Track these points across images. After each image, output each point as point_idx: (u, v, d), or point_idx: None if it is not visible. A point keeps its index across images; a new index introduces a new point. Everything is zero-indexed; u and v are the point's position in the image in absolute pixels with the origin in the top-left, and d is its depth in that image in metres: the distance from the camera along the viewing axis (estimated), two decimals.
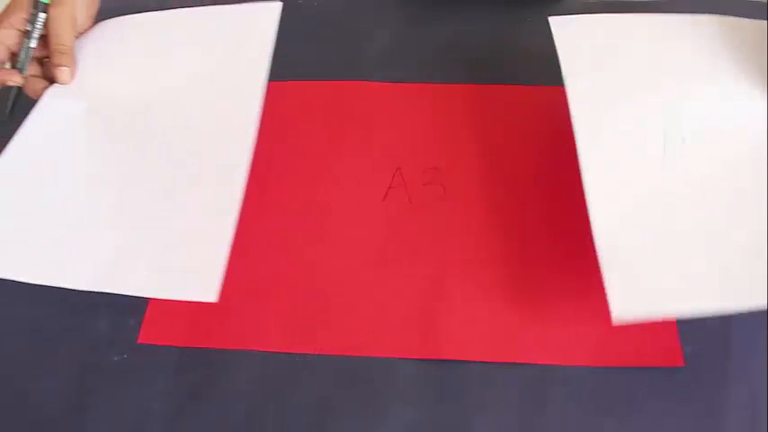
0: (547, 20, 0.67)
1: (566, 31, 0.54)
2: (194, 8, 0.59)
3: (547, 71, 0.61)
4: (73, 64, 0.55)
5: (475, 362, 0.46)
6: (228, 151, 0.50)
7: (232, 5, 0.58)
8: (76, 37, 0.57)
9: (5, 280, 0.51)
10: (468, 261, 0.51)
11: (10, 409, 0.46)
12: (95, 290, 0.44)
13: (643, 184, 0.47)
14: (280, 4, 0.56)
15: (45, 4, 0.54)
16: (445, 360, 0.46)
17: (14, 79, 0.54)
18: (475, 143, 0.57)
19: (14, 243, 0.47)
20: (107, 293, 0.47)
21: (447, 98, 0.61)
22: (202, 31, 0.58)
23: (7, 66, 0.55)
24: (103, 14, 0.60)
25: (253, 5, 0.57)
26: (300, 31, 0.66)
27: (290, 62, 0.63)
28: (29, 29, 0.54)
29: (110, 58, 0.58)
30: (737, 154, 0.48)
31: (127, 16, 0.61)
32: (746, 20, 0.55)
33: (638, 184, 0.47)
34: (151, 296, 0.45)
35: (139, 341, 0.48)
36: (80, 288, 0.45)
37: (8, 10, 0.54)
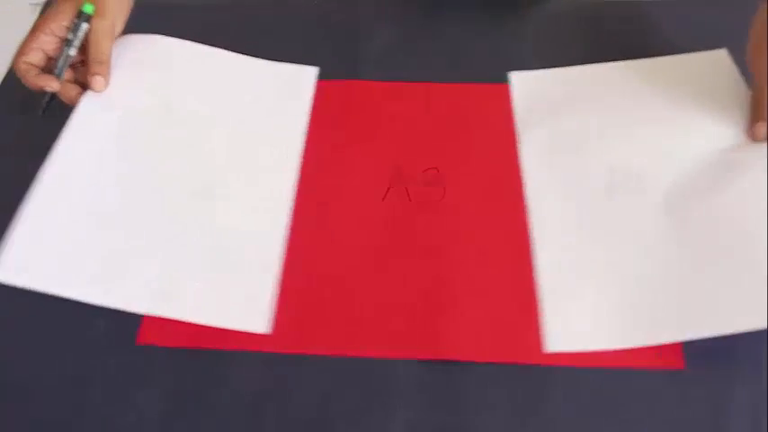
0: (546, 20, 0.68)
1: (523, 84, 0.60)
2: (238, 54, 0.62)
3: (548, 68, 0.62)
4: (108, 74, 0.57)
5: (475, 362, 0.46)
6: (272, 189, 0.53)
7: (273, 62, 0.62)
8: None
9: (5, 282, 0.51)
10: (469, 261, 0.51)
11: (10, 409, 0.45)
12: (146, 312, 0.47)
13: (585, 228, 0.50)
14: (317, 69, 0.61)
15: (89, 15, 0.56)
16: (445, 360, 0.46)
17: (52, 85, 0.55)
18: (475, 143, 0.57)
19: (64, 260, 0.48)
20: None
21: (447, 98, 0.61)
22: (246, 77, 0.61)
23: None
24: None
25: (294, 66, 0.62)
26: (300, 30, 0.66)
27: (290, 62, 0.63)
28: (70, 37, 0.56)
29: (143, 75, 0.59)
30: (677, 200, 0.50)
31: (161, 37, 0.62)
32: (682, 57, 0.59)
33: (580, 228, 0.50)
34: (201, 323, 0.46)
35: (139, 341, 0.48)
36: (131, 310, 0.46)
37: (49, 17, 0.56)
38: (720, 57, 0.58)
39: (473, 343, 0.47)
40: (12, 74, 0.64)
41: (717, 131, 0.53)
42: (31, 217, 0.49)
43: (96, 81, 0.56)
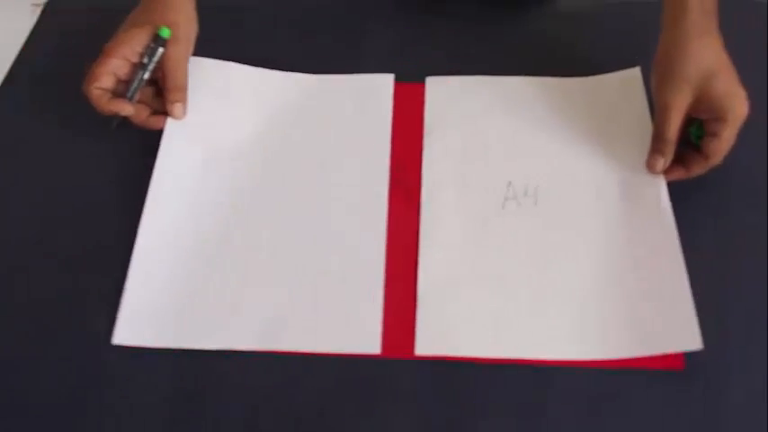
0: (546, 21, 0.68)
1: (437, 89, 0.60)
2: (311, 75, 0.62)
3: (546, 70, 0.61)
4: (186, 100, 0.56)
5: (475, 362, 0.46)
6: (367, 206, 0.53)
7: (351, 75, 0.61)
8: None
9: (2, 283, 0.51)
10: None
11: (10, 409, 0.45)
12: (261, 349, 0.46)
13: (473, 235, 0.51)
14: (392, 76, 0.61)
15: (165, 40, 0.55)
16: (445, 360, 0.46)
17: (127, 109, 0.55)
18: None
19: (174, 311, 0.48)
20: (106, 294, 0.48)
21: None
22: (327, 95, 0.60)
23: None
24: None
25: (371, 75, 0.61)
26: (300, 30, 0.66)
27: (290, 62, 0.63)
28: (144, 61, 0.55)
29: (223, 105, 0.59)
30: (566, 221, 0.52)
31: (233, 64, 0.61)
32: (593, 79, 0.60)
33: (468, 234, 0.51)
34: (316, 351, 0.47)
35: None
36: (247, 348, 0.47)
37: (122, 40, 0.55)
38: (633, 76, 0.59)
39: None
40: (12, 75, 0.64)
41: (617, 157, 0.54)
42: (138, 274, 0.49)
43: (176, 108, 0.56)
